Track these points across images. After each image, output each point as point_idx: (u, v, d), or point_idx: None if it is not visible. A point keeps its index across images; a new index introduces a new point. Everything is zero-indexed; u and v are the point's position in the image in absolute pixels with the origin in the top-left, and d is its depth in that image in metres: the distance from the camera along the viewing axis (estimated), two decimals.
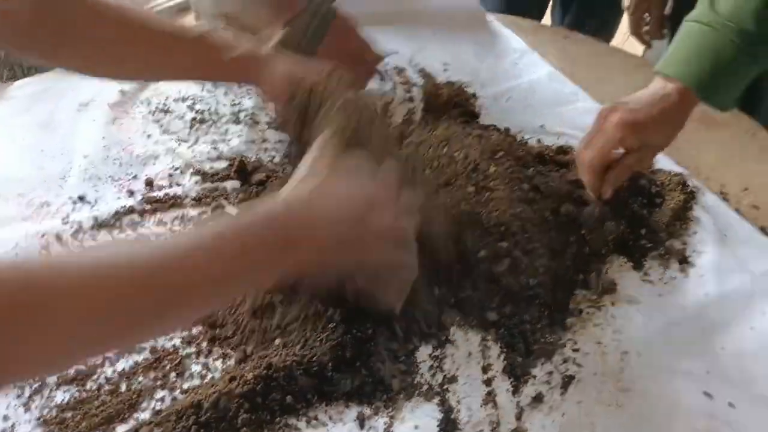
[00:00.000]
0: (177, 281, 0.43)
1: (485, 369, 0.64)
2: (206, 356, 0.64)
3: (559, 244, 0.74)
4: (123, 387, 0.62)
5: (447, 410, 0.60)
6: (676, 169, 0.86)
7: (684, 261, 0.75)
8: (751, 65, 0.70)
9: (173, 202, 0.80)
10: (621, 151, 0.73)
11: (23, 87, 0.99)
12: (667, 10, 1.17)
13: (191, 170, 0.84)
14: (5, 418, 0.60)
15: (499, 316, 0.67)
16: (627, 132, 0.71)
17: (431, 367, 0.64)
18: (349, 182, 0.54)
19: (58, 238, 0.75)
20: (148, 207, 0.79)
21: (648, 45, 1.21)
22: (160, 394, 0.61)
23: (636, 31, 1.19)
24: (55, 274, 0.39)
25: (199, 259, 0.43)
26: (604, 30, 1.58)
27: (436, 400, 0.61)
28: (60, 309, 0.38)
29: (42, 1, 0.63)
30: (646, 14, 1.16)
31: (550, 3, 1.59)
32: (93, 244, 0.72)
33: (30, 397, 0.61)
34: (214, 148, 0.88)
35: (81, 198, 0.80)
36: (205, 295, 0.46)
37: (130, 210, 0.79)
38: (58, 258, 0.43)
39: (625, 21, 1.62)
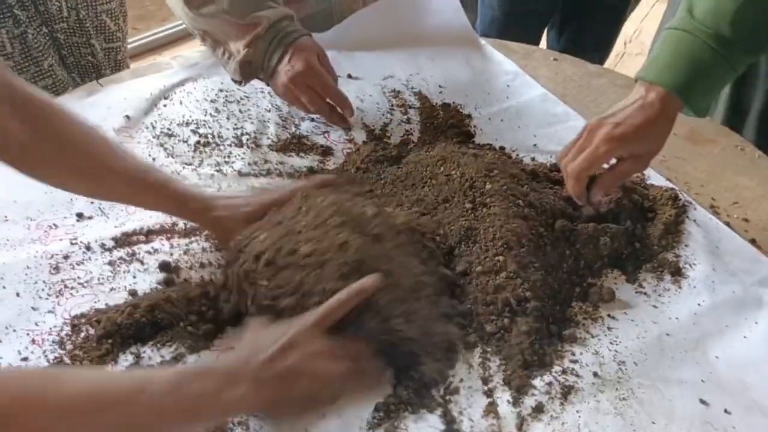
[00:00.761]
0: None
1: (485, 380, 0.66)
2: None
3: (554, 258, 0.76)
4: None
5: (449, 421, 0.62)
6: (666, 184, 0.88)
7: (677, 273, 0.77)
8: (729, 70, 0.73)
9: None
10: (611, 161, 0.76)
11: None
12: None
13: None
14: None
15: (498, 328, 0.69)
16: (613, 145, 0.74)
17: None
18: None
19: (66, 258, 0.77)
20: (155, 228, 0.81)
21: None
22: None
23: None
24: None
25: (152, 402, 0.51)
26: (599, 51, 1.64)
27: (439, 411, 0.63)
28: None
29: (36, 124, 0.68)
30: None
31: (546, 29, 1.65)
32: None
33: None
34: (218, 171, 0.90)
35: (89, 218, 0.82)
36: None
37: (137, 231, 0.81)
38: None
39: (618, 43, 1.68)
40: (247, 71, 0.93)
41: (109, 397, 0.50)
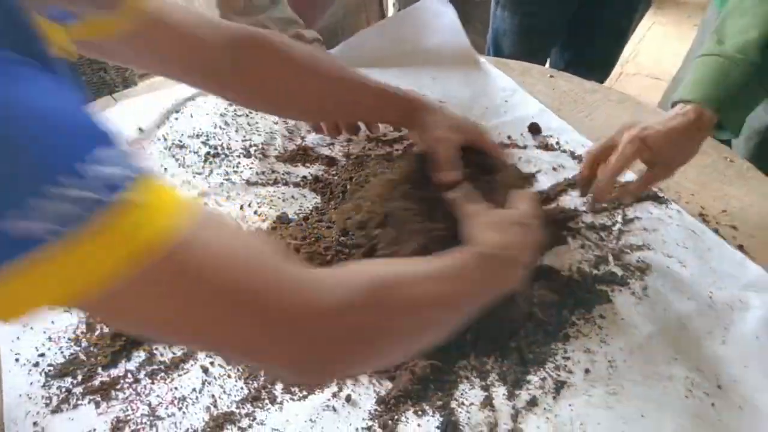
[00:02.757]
0: (463, 284, 0.54)
1: (483, 376, 0.69)
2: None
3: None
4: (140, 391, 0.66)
5: (448, 413, 0.65)
6: (657, 194, 0.92)
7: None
8: (760, 91, 0.78)
9: None
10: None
11: None
12: None
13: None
14: (35, 424, 0.64)
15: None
16: (638, 146, 0.77)
17: None
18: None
19: None
20: None
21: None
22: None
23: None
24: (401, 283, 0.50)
25: (472, 273, 0.55)
26: (600, 69, 1.69)
27: (438, 404, 0.66)
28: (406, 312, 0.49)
29: (239, 49, 0.74)
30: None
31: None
32: None
33: (58, 405, 0.66)
34: (227, 179, 0.94)
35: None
36: (476, 298, 0.57)
37: None
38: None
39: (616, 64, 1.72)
40: None
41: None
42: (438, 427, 0.64)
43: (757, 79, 0.76)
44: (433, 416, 0.65)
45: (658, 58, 3.05)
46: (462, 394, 0.67)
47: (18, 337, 0.72)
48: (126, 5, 0.64)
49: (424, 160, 0.79)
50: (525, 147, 1.03)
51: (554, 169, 0.98)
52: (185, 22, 0.70)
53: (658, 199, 0.91)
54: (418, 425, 0.64)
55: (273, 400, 0.66)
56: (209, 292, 0.39)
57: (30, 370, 0.69)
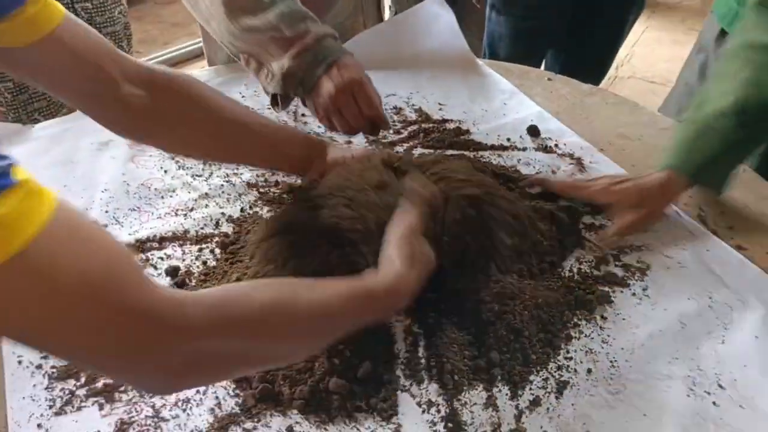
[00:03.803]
0: (337, 315, 0.56)
1: (487, 378, 0.69)
2: None
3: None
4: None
5: (452, 413, 0.65)
6: None
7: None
8: (739, 156, 0.83)
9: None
10: None
11: (46, 128, 1.06)
12: None
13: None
14: (39, 426, 0.64)
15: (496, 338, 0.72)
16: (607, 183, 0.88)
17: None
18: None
19: None
20: (167, 235, 0.85)
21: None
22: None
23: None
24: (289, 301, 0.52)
25: (349, 304, 0.57)
26: (596, 71, 1.70)
27: (443, 403, 0.66)
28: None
29: (159, 93, 0.73)
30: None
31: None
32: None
33: (61, 407, 0.65)
34: (227, 182, 0.94)
35: (104, 226, 0.86)
36: (345, 327, 0.58)
37: (151, 238, 0.84)
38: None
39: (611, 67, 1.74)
40: (290, 83, 0.87)
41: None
42: (444, 427, 0.64)
43: (735, 146, 0.78)
44: (434, 414, 0.65)
45: (651, 61, 3.08)
46: (466, 393, 0.67)
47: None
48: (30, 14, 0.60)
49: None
50: (524, 149, 1.04)
51: (553, 171, 0.99)
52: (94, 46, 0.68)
53: None
54: (425, 423, 0.64)
55: (279, 403, 0.66)
56: (62, 292, 0.38)
57: (33, 373, 0.69)
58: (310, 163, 0.85)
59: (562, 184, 0.92)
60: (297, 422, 0.64)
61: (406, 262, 0.61)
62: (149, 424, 0.64)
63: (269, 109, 1.08)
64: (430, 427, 0.64)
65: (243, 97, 1.13)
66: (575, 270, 0.82)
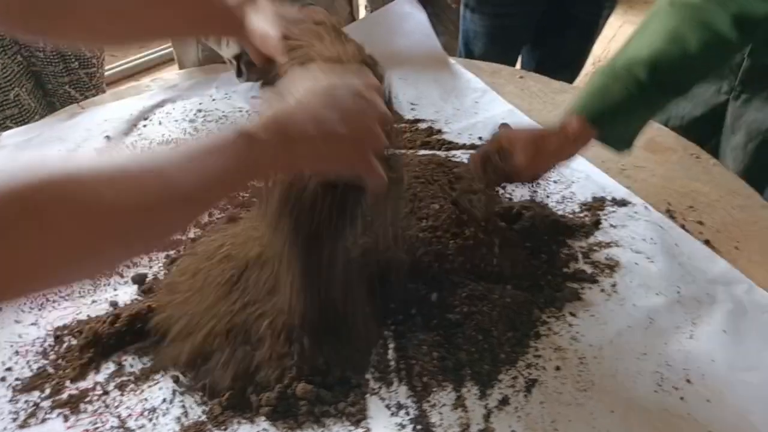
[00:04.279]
0: (169, 191, 0.46)
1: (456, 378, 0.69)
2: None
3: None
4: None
5: (421, 415, 0.65)
6: (624, 191, 0.93)
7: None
8: (644, 110, 0.80)
9: None
10: None
11: (12, 137, 1.04)
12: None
13: None
14: None
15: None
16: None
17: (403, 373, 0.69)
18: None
19: None
20: None
21: None
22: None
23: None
24: (66, 179, 0.40)
25: (189, 173, 0.46)
26: (571, 68, 1.70)
27: (411, 404, 0.66)
28: (62, 212, 0.39)
29: None
30: None
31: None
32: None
33: (25, 420, 0.64)
34: None
35: None
36: (190, 203, 0.48)
37: None
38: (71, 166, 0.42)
39: (587, 63, 1.74)
40: None
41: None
42: (414, 429, 0.64)
43: (640, 98, 0.77)
44: (403, 416, 0.65)
45: None
46: (434, 394, 0.67)
47: None
48: None
49: None
50: None
51: None
52: None
53: (625, 204, 0.92)
54: (395, 425, 0.64)
55: (246, 410, 0.66)
56: None
57: None
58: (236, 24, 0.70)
59: (475, 156, 0.87)
60: (265, 429, 0.64)
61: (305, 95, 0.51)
62: None
63: (240, 111, 1.09)
64: (399, 429, 0.64)
65: (214, 99, 1.12)
66: (544, 268, 0.82)
